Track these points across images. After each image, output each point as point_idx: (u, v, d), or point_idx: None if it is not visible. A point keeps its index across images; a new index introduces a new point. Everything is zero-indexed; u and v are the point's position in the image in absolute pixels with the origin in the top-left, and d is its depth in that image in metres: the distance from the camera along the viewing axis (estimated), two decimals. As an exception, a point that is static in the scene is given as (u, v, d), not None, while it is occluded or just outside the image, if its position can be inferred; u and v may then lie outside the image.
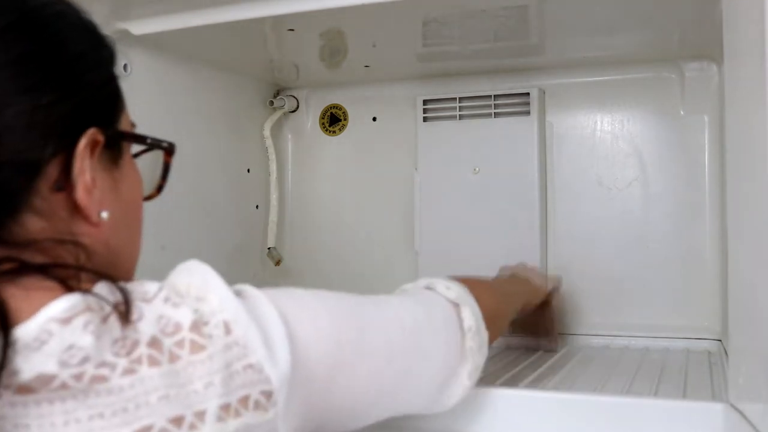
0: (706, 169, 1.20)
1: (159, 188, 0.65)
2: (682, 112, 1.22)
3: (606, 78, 1.27)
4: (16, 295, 0.44)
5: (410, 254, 1.33)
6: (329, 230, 1.44)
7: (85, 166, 0.51)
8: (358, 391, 0.57)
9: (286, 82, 1.45)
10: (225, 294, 0.49)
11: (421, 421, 0.74)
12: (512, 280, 1.05)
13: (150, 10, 1.01)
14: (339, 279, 1.41)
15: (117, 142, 0.57)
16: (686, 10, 0.98)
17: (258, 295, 0.52)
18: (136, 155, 0.62)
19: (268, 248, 1.42)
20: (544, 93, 1.28)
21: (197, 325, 0.47)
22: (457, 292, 0.72)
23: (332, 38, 1.16)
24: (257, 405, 0.47)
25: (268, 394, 0.48)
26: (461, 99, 1.29)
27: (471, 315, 0.70)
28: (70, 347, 0.42)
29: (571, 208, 1.27)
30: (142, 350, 0.45)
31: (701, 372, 0.97)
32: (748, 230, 0.65)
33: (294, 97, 1.46)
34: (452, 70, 1.33)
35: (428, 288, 0.73)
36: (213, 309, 0.48)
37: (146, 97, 1.12)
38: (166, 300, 0.48)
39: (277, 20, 1.02)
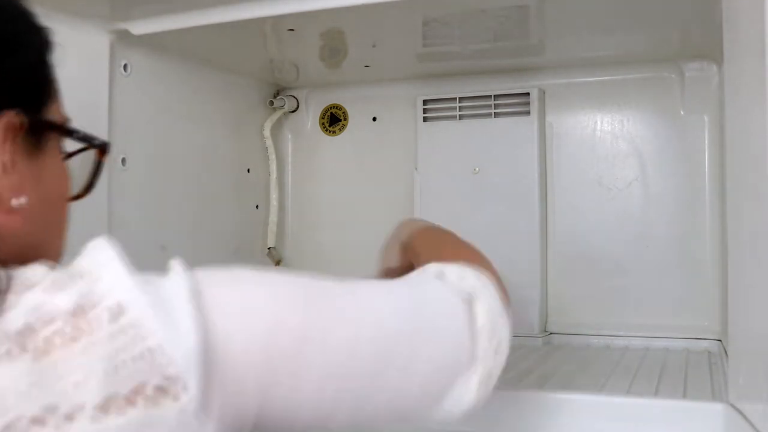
0: (706, 169, 1.20)
1: (88, 187, 0.60)
2: (682, 112, 1.22)
3: (606, 78, 1.27)
4: None
5: (410, 254, 1.33)
6: (329, 230, 1.44)
7: (2, 148, 0.49)
8: (307, 397, 0.49)
9: (286, 82, 1.45)
10: (119, 272, 0.45)
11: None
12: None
13: (150, 10, 1.00)
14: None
15: (41, 130, 0.53)
16: (686, 10, 0.98)
17: (175, 273, 0.48)
18: (71, 155, 0.59)
19: (268, 248, 1.42)
20: (544, 93, 1.28)
21: (80, 311, 0.42)
22: (473, 282, 0.61)
23: (332, 38, 1.16)
24: (160, 392, 0.42)
25: (173, 379, 0.42)
26: (461, 99, 1.29)
27: (486, 312, 0.59)
28: None
29: (571, 208, 1.27)
30: (6, 344, 0.40)
31: (701, 372, 0.97)
32: (748, 230, 0.65)
33: (294, 97, 1.46)
34: (452, 70, 1.33)
35: (438, 277, 0.62)
36: (104, 290, 0.44)
37: (146, 97, 1.12)
38: (52, 284, 0.44)
39: (277, 20, 1.01)
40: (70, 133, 0.56)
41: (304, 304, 0.51)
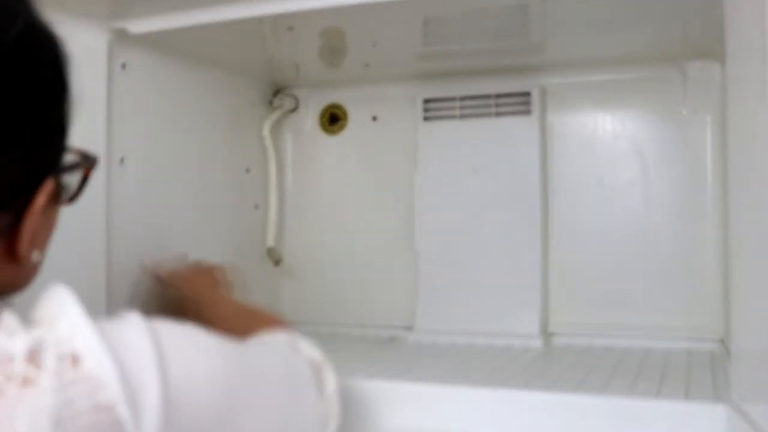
0: (709, 169, 1.20)
1: (72, 199, 0.58)
2: (684, 112, 1.22)
3: (607, 77, 1.26)
4: None
5: (410, 254, 1.33)
6: (329, 230, 1.43)
7: (35, 220, 0.49)
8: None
9: (285, 82, 1.45)
10: (78, 321, 0.44)
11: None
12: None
13: (148, 9, 1.00)
14: (339, 279, 1.41)
15: (62, 181, 0.54)
16: (688, 9, 0.98)
17: (135, 325, 0.47)
18: (65, 169, 0.57)
19: (268, 248, 1.41)
20: (545, 92, 1.28)
21: (33, 356, 0.41)
22: (320, 353, 0.70)
23: (332, 37, 1.16)
24: None
25: None
26: (462, 98, 1.29)
27: (333, 377, 0.68)
28: None
29: (572, 208, 1.27)
30: None
31: (703, 373, 0.96)
32: (751, 230, 0.65)
33: (294, 96, 1.46)
34: (453, 70, 1.33)
35: (291, 345, 0.70)
36: (61, 338, 0.43)
37: (144, 97, 1.12)
38: (6, 328, 0.43)
39: (277, 19, 1.01)
40: (78, 165, 0.56)
41: (239, 357, 0.56)
